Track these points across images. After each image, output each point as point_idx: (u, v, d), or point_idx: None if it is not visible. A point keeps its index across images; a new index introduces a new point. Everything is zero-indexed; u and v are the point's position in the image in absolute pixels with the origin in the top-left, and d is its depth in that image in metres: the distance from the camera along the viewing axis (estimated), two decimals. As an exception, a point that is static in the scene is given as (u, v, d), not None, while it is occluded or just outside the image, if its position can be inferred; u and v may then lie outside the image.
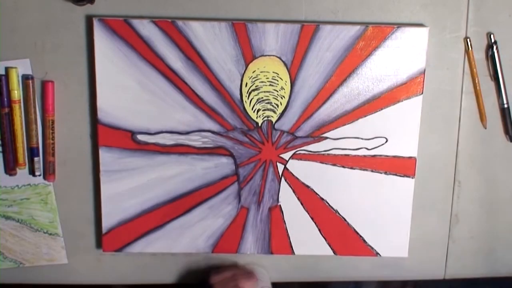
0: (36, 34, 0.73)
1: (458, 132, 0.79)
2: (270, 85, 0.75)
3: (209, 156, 0.76)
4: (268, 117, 0.76)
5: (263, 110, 0.76)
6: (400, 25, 0.74)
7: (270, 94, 0.75)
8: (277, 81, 0.75)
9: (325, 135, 0.76)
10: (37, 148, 0.76)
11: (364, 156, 0.77)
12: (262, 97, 0.75)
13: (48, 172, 0.76)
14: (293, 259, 0.81)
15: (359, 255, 0.80)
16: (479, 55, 0.77)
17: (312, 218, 0.79)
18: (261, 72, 0.74)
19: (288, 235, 0.79)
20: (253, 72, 0.74)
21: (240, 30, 0.73)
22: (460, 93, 0.78)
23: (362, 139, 0.77)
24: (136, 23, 0.72)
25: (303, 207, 0.78)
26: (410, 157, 0.77)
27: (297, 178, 0.78)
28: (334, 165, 0.77)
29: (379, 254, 0.80)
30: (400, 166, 0.77)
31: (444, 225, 0.81)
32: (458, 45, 0.77)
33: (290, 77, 0.75)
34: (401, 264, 0.82)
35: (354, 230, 0.79)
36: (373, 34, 0.74)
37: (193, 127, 0.75)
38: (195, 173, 0.77)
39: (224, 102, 0.75)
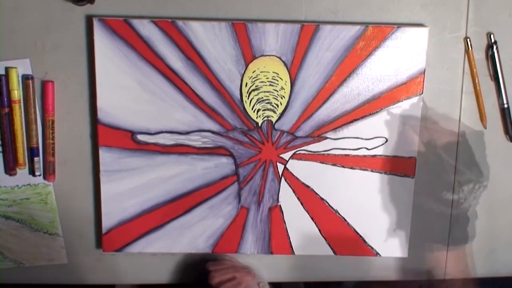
0: (36, 34, 0.73)
1: (458, 132, 0.79)
2: (270, 85, 0.75)
3: (209, 156, 0.76)
4: (268, 117, 0.76)
5: (263, 110, 0.76)
6: (400, 25, 0.74)
7: (270, 94, 0.75)
8: (277, 81, 0.75)
9: (325, 135, 0.76)
10: (37, 148, 0.76)
11: (364, 156, 0.77)
12: (262, 97, 0.75)
13: (48, 172, 0.76)
14: (293, 259, 0.81)
15: (359, 255, 0.80)
16: (479, 55, 0.77)
17: (312, 218, 0.79)
18: (261, 72, 0.74)
19: (288, 235, 0.79)
20: (253, 72, 0.74)
21: (240, 30, 0.73)
22: (460, 93, 0.78)
23: (362, 139, 0.77)
24: (136, 23, 0.72)
25: (303, 207, 0.78)
26: (410, 157, 0.77)
27: (297, 178, 0.78)
28: (334, 165, 0.77)
29: (379, 254, 0.80)
30: (400, 166, 0.77)
31: (444, 225, 0.81)
32: (458, 45, 0.77)
33: (290, 77, 0.75)
34: (401, 264, 0.82)
35: (354, 230, 0.79)
36: (373, 34, 0.74)
37: (193, 127, 0.75)
38: (195, 173, 0.77)
39: (224, 102, 0.75)
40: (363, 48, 0.74)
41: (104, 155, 0.75)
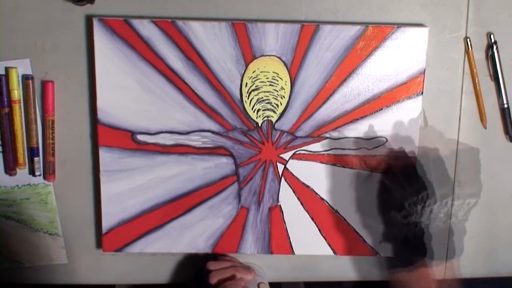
0: (36, 34, 0.73)
1: (458, 132, 0.79)
2: (270, 85, 0.75)
3: (209, 156, 0.76)
4: (268, 117, 0.76)
5: (263, 110, 0.76)
6: (400, 25, 0.74)
7: (270, 94, 0.75)
8: (277, 81, 0.75)
9: (325, 135, 0.76)
10: (37, 148, 0.76)
11: (364, 156, 0.77)
12: (262, 97, 0.75)
13: (48, 172, 0.76)
14: (293, 259, 0.81)
15: (359, 255, 0.80)
16: (479, 55, 0.77)
17: (312, 218, 0.79)
18: (261, 72, 0.74)
19: (288, 235, 0.79)
20: (253, 72, 0.74)
21: (240, 30, 0.73)
22: (460, 93, 0.78)
23: (362, 139, 0.77)
24: (136, 23, 0.72)
25: (303, 207, 0.78)
26: (410, 157, 0.77)
27: (297, 178, 0.78)
28: (334, 165, 0.77)
29: (379, 254, 0.80)
30: (400, 166, 0.77)
31: (444, 225, 0.81)
32: (458, 45, 0.77)
33: (290, 77, 0.75)
34: (399, 261, 0.82)
35: (354, 230, 0.79)
36: (373, 34, 0.74)
37: (193, 127, 0.75)
38: (195, 173, 0.77)
39: (224, 102, 0.75)
40: (363, 48, 0.74)
41: (104, 155, 0.75)
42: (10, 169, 0.76)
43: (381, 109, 0.76)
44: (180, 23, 0.72)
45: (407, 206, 0.73)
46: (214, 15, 0.74)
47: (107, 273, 0.81)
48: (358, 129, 0.76)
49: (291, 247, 0.79)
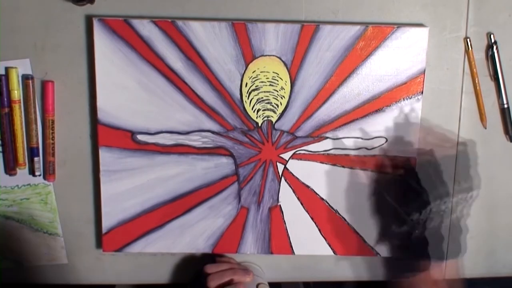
0: (36, 34, 0.73)
1: (458, 132, 0.79)
2: (270, 85, 0.75)
3: (209, 156, 0.76)
4: (268, 117, 0.76)
5: (263, 110, 0.76)
6: (400, 25, 0.74)
7: (270, 94, 0.75)
8: (277, 81, 0.75)
9: (325, 135, 0.76)
10: (37, 148, 0.76)
11: (364, 156, 0.77)
12: (262, 97, 0.75)
13: (48, 172, 0.76)
14: (293, 259, 0.81)
15: (359, 255, 0.80)
16: (479, 55, 0.77)
17: (312, 218, 0.79)
18: (261, 72, 0.74)
19: (288, 235, 0.79)
20: (253, 72, 0.74)
21: (240, 30, 0.73)
22: (460, 93, 0.78)
23: (362, 139, 0.77)
24: (136, 23, 0.72)
25: (303, 207, 0.78)
26: (410, 157, 0.77)
27: (297, 178, 0.78)
28: (334, 165, 0.77)
29: (379, 254, 0.80)
30: (400, 166, 0.77)
31: (444, 225, 0.81)
32: (458, 45, 0.77)
33: (290, 77, 0.75)
34: (401, 264, 0.82)
35: (354, 230, 0.79)
36: (373, 34, 0.74)
37: (193, 127, 0.75)
38: (195, 173, 0.77)
39: (224, 102, 0.75)
40: (363, 48, 0.74)
41: (104, 155, 0.75)
42: (10, 169, 0.76)
43: (381, 109, 0.76)
44: (180, 23, 0.72)
45: (410, 213, 0.73)
46: (214, 15, 0.74)
47: (107, 273, 0.81)
48: (358, 129, 0.76)
49: (291, 247, 0.79)
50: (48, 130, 0.75)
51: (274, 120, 0.76)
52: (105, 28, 0.72)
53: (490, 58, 0.76)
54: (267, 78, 0.75)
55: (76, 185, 0.78)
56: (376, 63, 0.75)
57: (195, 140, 0.76)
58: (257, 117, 0.76)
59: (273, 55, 0.74)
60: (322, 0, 0.74)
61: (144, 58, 0.73)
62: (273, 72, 0.74)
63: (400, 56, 0.75)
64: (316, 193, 0.78)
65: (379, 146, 0.77)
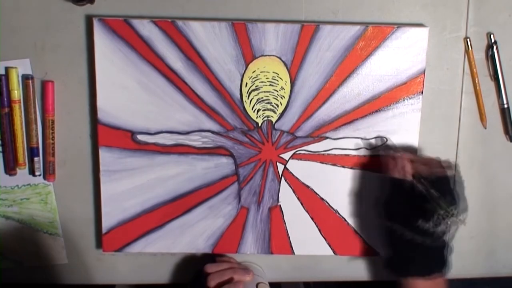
0: (36, 34, 0.73)
1: (458, 132, 0.79)
2: (270, 85, 0.75)
3: (209, 156, 0.76)
4: (268, 117, 0.76)
5: (263, 110, 0.76)
6: (400, 25, 0.74)
7: (270, 94, 0.75)
8: (277, 81, 0.75)
9: (325, 135, 0.76)
10: (37, 148, 0.76)
11: (364, 156, 0.77)
12: (262, 97, 0.75)
13: (48, 172, 0.76)
14: (293, 259, 0.81)
15: (359, 255, 0.80)
16: (479, 55, 0.77)
17: (312, 218, 0.79)
18: (261, 72, 0.74)
19: (288, 235, 0.79)
20: (253, 72, 0.74)
21: (240, 30, 0.73)
22: (460, 93, 0.78)
23: (362, 139, 0.77)
24: (136, 23, 0.72)
25: (303, 207, 0.78)
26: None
27: (297, 178, 0.78)
28: (334, 165, 0.77)
29: (379, 254, 0.80)
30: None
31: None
32: (458, 45, 0.77)
33: (290, 77, 0.75)
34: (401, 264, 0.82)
35: (354, 230, 0.79)
36: (373, 34, 0.74)
37: (193, 127, 0.75)
38: (195, 173, 0.77)
39: (224, 102, 0.75)
40: (363, 48, 0.74)
41: (104, 155, 0.75)
42: (10, 169, 0.76)
43: (381, 109, 0.76)
44: (180, 23, 0.72)
45: (437, 217, 0.69)
46: (214, 15, 0.74)
47: (107, 273, 0.81)
48: (358, 129, 0.76)
49: (291, 247, 0.79)
50: (48, 130, 0.75)
51: (274, 120, 0.76)
52: (105, 28, 0.72)
53: (490, 58, 0.76)
54: (267, 78, 0.75)
55: (76, 185, 0.78)
56: (376, 63, 0.75)
57: (195, 140, 0.76)
58: (257, 117, 0.76)
59: (273, 55, 0.74)
60: (322, 0, 0.74)
61: (144, 58, 0.73)
62: (273, 72, 0.74)
63: (400, 56, 0.75)
64: (316, 193, 0.78)
65: (379, 146, 0.77)
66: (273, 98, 0.75)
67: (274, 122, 0.76)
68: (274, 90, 0.75)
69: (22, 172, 0.77)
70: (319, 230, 0.79)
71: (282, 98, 0.75)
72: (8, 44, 0.74)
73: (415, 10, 0.76)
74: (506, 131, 0.79)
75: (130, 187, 0.76)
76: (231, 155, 0.77)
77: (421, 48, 0.75)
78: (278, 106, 0.75)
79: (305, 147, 0.77)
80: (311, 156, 0.77)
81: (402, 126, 0.76)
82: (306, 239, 0.79)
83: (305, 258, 0.81)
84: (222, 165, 0.77)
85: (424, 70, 0.75)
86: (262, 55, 0.74)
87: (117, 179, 0.76)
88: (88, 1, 0.71)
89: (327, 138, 0.77)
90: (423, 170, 0.71)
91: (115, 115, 0.74)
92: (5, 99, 0.74)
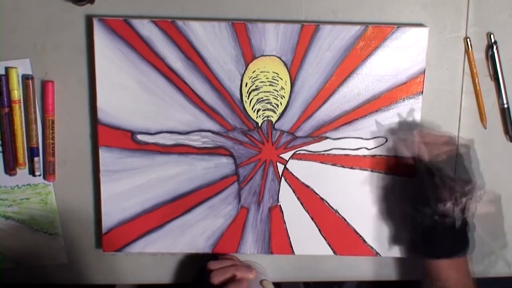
0: (36, 34, 0.73)
1: (458, 132, 0.79)
2: (270, 85, 0.75)
3: (209, 156, 0.76)
4: (268, 117, 0.76)
5: (263, 110, 0.76)
6: (400, 25, 0.74)
7: (270, 94, 0.75)
8: (277, 81, 0.75)
9: (325, 135, 0.76)
10: (37, 148, 0.76)
11: (364, 156, 0.77)
12: (262, 97, 0.75)
13: (48, 172, 0.76)
14: (293, 259, 0.81)
15: (359, 255, 0.80)
16: (479, 55, 0.77)
17: (312, 218, 0.79)
18: (261, 72, 0.74)
19: (288, 235, 0.79)
20: (253, 72, 0.74)
21: (240, 30, 0.73)
22: (460, 93, 0.78)
23: (362, 139, 0.77)
24: (136, 23, 0.72)
25: (303, 207, 0.78)
26: (410, 157, 0.77)
27: (297, 178, 0.78)
28: (334, 165, 0.77)
29: (379, 254, 0.80)
30: (400, 166, 0.77)
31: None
32: (458, 45, 0.77)
33: (290, 77, 0.75)
34: (401, 264, 0.82)
35: (354, 230, 0.79)
36: (373, 34, 0.74)
37: (193, 127, 0.75)
38: (195, 173, 0.77)
39: (224, 102, 0.75)
40: (363, 48, 0.74)
41: (104, 155, 0.75)
42: (10, 169, 0.76)
43: (381, 109, 0.76)
44: (180, 23, 0.72)
45: (454, 198, 0.70)
46: (214, 15, 0.74)
47: (107, 273, 0.81)
48: (358, 129, 0.76)
49: (291, 247, 0.79)
50: (48, 130, 0.75)
51: (274, 120, 0.76)
52: (105, 28, 0.72)
53: (490, 58, 0.76)
54: (267, 78, 0.75)
55: (76, 185, 0.78)
56: (376, 63, 0.75)
57: (195, 140, 0.76)
58: (257, 117, 0.76)
59: (273, 55, 0.74)
60: (322, 0, 0.74)
61: (144, 58, 0.73)
62: (273, 72, 0.74)
63: (400, 56, 0.75)
64: (316, 193, 0.78)
65: (379, 146, 0.77)
66: (273, 98, 0.75)
67: (274, 122, 0.76)
68: (274, 90, 0.75)
69: (22, 172, 0.77)
70: (319, 230, 0.79)
71: (282, 98, 0.75)
72: (8, 44, 0.74)
73: (415, 10, 0.76)
74: (506, 131, 0.79)
75: (130, 187, 0.76)
76: (231, 155, 0.77)
77: (421, 48, 0.75)
78: (278, 106, 0.75)
79: (305, 147, 0.77)
80: (311, 156, 0.77)
81: (402, 126, 0.76)
82: (306, 239, 0.79)
83: (305, 258, 0.81)
84: (222, 165, 0.77)
85: (424, 70, 0.75)
86: (262, 55, 0.74)
87: (117, 179, 0.76)
88: (88, 1, 0.71)
89: (327, 138, 0.77)
90: (435, 150, 0.72)
91: (115, 115, 0.74)
92: (5, 99, 0.74)
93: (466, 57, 0.77)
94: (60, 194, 0.78)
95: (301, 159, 0.77)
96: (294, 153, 0.77)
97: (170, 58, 0.73)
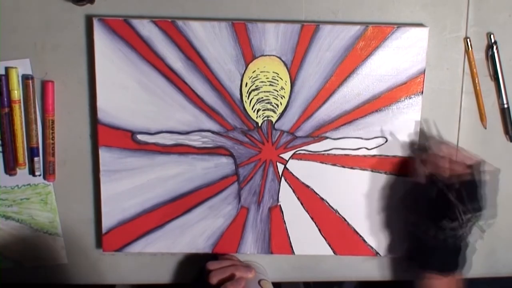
0: (36, 34, 0.73)
1: (458, 132, 0.79)
2: (270, 85, 0.75)
3: (209, 156, 0.76)
4: (268, 117, 0.76)
5: (263, 110, 0.76)
6: (400, 25, 0.74)
7: (270, 94, 0.75)
8: (277, 81, 0.75)
9: (325, 135, 0.76)
10: (37, 148, 0.76)
11: (364, 156, 0.77)
12: (262, 97, 0.75)
13: (48, 172, 0.76)
14: (293, 259, 0.81)
15: (359, 255, 0.80)
16: (479, 55, 0.77)
17: (312, 218, 0.79)
18: (261, 72, 0.74)
19: (288, 235, 0.79)
20: (253, 72, 0.74)
21: (240, 30, 0.73)
22: (460, 93, 0.78)
23: (362, 139, 0.77)
24: (136, 23, 0.72)
25: (303, 207, 0.78)
26: (410, 157, 0.77)
27: (297, 178, 0.78)
28: (334, 165, 0.77)
29: (379, 254, 0.80)
30: (400, 166, 0.77)
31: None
32: (458, 45, 0.77)
33: (290, 77, 0.75)
34: (401, 264, 0.82)
35: (354, 230, 0.79)
36: (373, 34, 0.74)
37: (193, 127, 0.76)
38: (195, 173, 0.77)
39: (224, 102, 0.75)
40: (363, 48, 0.74)
41: (104, 155, 0.75)
42: (10, 169, 0.76)
43: (381, 109, 0.76)
44: (180, 23, 0.72)
45: (462, 220, 0.70)
46: (214, 15, 0.74)
47: (107, 273, 0.81)
48: (358, 129, 0.76)
49: (291, 247, 0.79)
50: (48, 130, 0.75)
51: (274, 120, 0.76)
52: (105, 28, 0.72)
53: (490, 58, 0.76)
54: (267, 78, 0.75)
55: (76, 185, 0.78)
56: (376, 63, 0.75)
57: (195, 140, 0.76)
58: (257, 117, 0.76)
59: (273, 55, 0.74)
60: (322, 0, 0.74)
61: (144, 58, 0.73)
62: (273, 72, 0.74)
63: (400, 56, 0.75)
64: (316, 193, 0.78)
65: (379, 146, 0.77)
66: (273, 98, 0.75)
67: (274, 122, 0.76)
68: (274, 90, 0.75)
69: (22, 172, 0.77)
70: (319, 230, 0.79)
71: (282, 98, 0.75)
72: (8, 44, 0.74)
73: (415, 10, 0.76)
74: (506, 131, 0.79)
75: (130, 187, 0.76)
76: (231, 155, 0.77)
77: (421, 48, 0.75)
78: (278, 106, 0.75)
79: (305, 147, 0.77)
80: (311, 156, 0.77)
81: (402, 126, 0.76)
82: (306, 239, 0.79)
83: (305, 258, 0.81)
84: (222, 165, 0.77)
85: (424, 70, 0.75)
86: (262, 55, 0.74)
87: (117, 179, 0.76)
88: (88, 1, 0.71)
89: (327, 138, 0.77)
90: (460, 170, 0.72)
91: (115, 115, 0.74)
92: (5, 99, 0.74)
93: (466, 57, 0.77)
94: (60, 194, 0.78)
95: (301, 159, 0.77)
96: (294, 153, 0.77)
97: (170, 58, 0.73)
